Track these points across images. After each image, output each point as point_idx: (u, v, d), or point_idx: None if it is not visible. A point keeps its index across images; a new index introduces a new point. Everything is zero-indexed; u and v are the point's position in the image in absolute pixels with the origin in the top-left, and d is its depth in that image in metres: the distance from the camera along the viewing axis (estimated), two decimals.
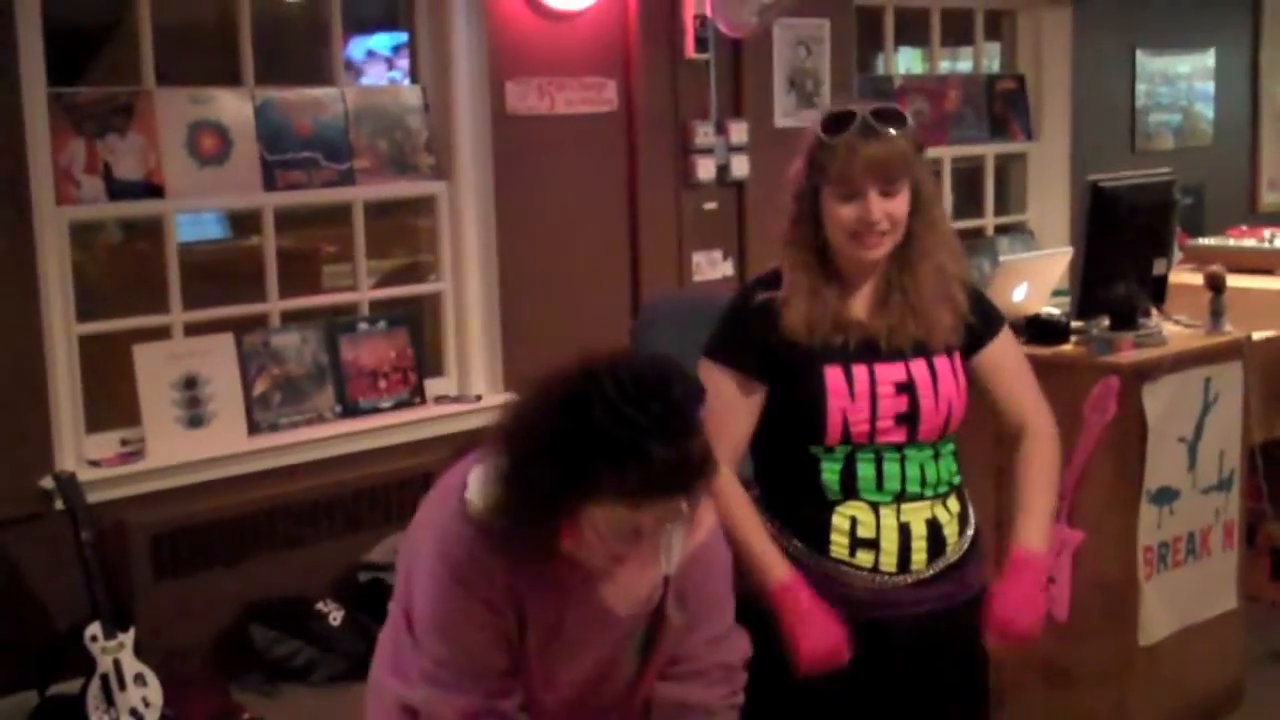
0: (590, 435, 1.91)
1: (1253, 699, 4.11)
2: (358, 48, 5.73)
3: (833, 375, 2.42)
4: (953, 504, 2.53)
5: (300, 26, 5.62)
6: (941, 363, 2.47)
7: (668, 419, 1.92)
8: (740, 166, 5.88)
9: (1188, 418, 3.79)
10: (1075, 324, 3.86)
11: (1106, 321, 3.81)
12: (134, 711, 4.14)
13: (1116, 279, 3.82)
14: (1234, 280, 4.09)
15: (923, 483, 2.47)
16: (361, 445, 4.99)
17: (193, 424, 4.70)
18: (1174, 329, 3.93)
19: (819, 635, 2.37)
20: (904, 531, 2.46)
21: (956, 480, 2.55)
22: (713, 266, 5.89)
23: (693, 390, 1.97)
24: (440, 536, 2.10)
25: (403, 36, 5.54)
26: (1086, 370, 3.66)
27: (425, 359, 5.26)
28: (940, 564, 2.50)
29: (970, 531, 2.57)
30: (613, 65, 5.56)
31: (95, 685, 4.10)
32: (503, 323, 5.36)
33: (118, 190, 4.60)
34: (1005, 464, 3.62)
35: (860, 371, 2.43)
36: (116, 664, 4.13)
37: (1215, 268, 4.02)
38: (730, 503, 2.41)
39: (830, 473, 2.44)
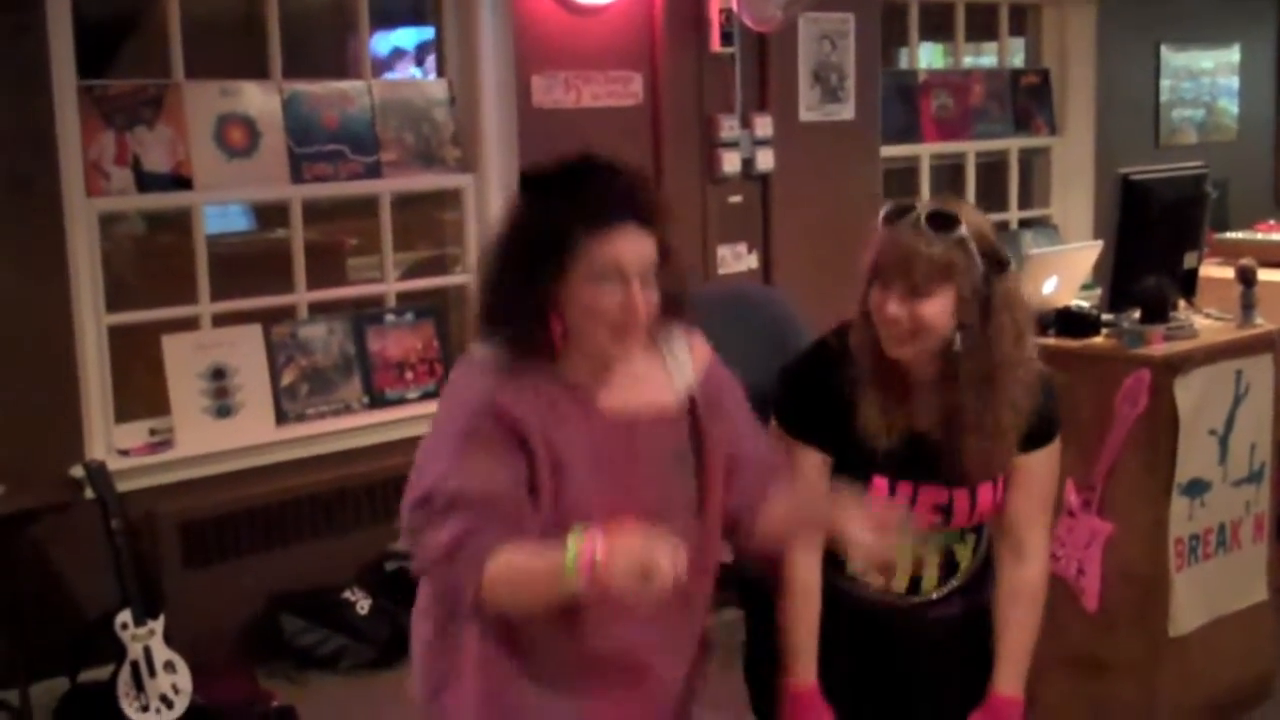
0: (535, 212, 2.12)
1: None
2: (382, 43, 5.75)
3: (878, 484, 2.44)
4: (970, 537, 2.56)
5: (327, 21, 5.64)
6: (984, 490, 2.46)
7: (592, 161, 2.16)
8: (765, 160, 5.88)
9: (1219, 410, 3.78)
10: (1105, 317, 3.85)
11: (1137, 314, 3.80)
12: (164, 698, 4.17)
13: (1147, 272, 3.82)
14: (1263, 274, 4.07)
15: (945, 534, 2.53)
16: (388, 436, 5.00)
17: (221, 414, 4.73)
18: (1205, 322, 3.92)
19: None
20: (917, 561, 2.51)
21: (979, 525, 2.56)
22: (737, 260, 5.89)
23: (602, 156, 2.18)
24: (449, 396, 2.18)
25: (426, 32, 5.56)
26: (1118, 363, 3.66)
27: (451, 350, 5.27)
28: (950, 585, 2.55)
29: (983, 552, 2.59)
30: (638, 59, 5.57)
31: (125, 672, 4.13)
32: None
33: (147, 182, 4.62)
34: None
35: (904, 488, 2.44)
36: (147, 651, 4.16)
37: (1246, 261, 4.01)
38: (796, 589, 2.45)
39: None
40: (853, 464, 2.42)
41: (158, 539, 4.48)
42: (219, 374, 4.73)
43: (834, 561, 2.48)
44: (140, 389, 4.78)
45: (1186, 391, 3.65)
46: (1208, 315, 3.99)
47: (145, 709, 4.14)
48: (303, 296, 5.06)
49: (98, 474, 4.27)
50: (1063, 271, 4.10)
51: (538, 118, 5.28)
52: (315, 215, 5.25)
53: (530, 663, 2.20)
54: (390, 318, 5.18)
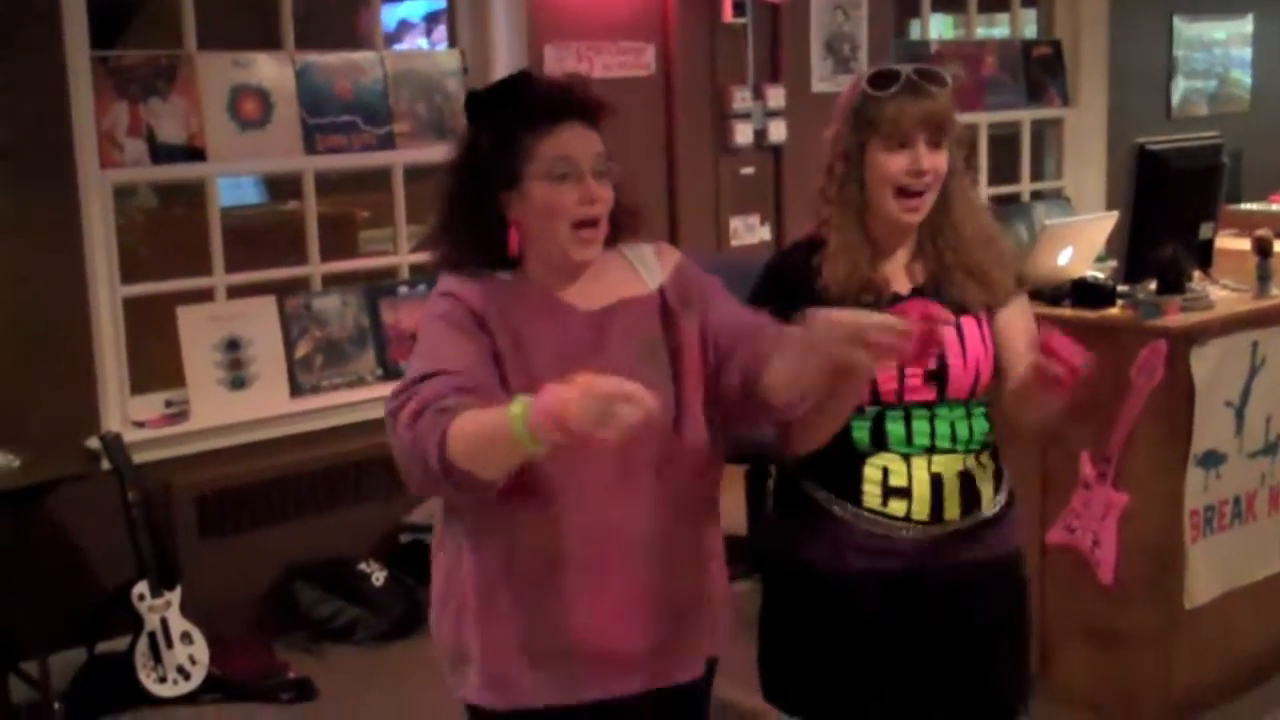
0: (482, 127, 2.21)
1: None
2: (389, 16, 5.74)
3: None
4: (986, 460, 2.53)
5: None
6: (969, 324, 2.47)
7: (527, 72, 2.31)
8: (777, 131, 5.87)
9: (1235, 382, 3.77)
10: (1121, 288, 3.84)
11: (1153, 285, 3.79)
12: (180, 669, 4.19)
13: (1163, 242, 3.81)
14: (1279, 245, 4.06)
15: (954, 438, 2.47)
16: None
17: (235, 386, 4.73)
18: (1221, 293, 3.91)
19: None
20: (935, 481, 2.46)
21: (990, 439, 2.54)
22: (750, 231, 5.88)
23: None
24: (421, 316, 2.25)
25: (435, 3, 5.54)
26: (1133, 334, 3.65)
27: None
28: (975, 518, 2.49)
29: (1006, 491, 2.57)
30: (651, 29, 5.56)
31: (143, 643, 4.16)
32: None
33: (160, 154, 4.62)
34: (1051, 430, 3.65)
35: None
36: (163, 622, 4.18)
37: (1263, 231, 3.99)
38: None
39: (859, 430, 2.45)
40: None
41: (174, 510, 4.49)
42: (234, 345, 4.74)
43: (852, 496, 2.46)
44: (155, 361, 4.79)
45: (1202, 362, 3.65)
46: (1224, 286, 3.98)
47: (163, 680, 4.17)
48: (316, 268, 5.06)
49: (114, 446, 4.28)
50: (1078, 243, 4.09)
51: None
52: (328, 187, 5.25)
53: (515, 566, 2.19)
54: (404, 289, 5.19)
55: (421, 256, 5.32)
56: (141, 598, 4.17)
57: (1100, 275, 3.96)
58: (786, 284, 2.47)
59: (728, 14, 5.71)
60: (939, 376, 2.44)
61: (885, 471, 2.45)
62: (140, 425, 4.56)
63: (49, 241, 4.32)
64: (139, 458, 4.37)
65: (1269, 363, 3.85)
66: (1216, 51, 7.97)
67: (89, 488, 4.27)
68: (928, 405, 2.45)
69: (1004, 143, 7.16)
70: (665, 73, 5.59)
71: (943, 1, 7.08)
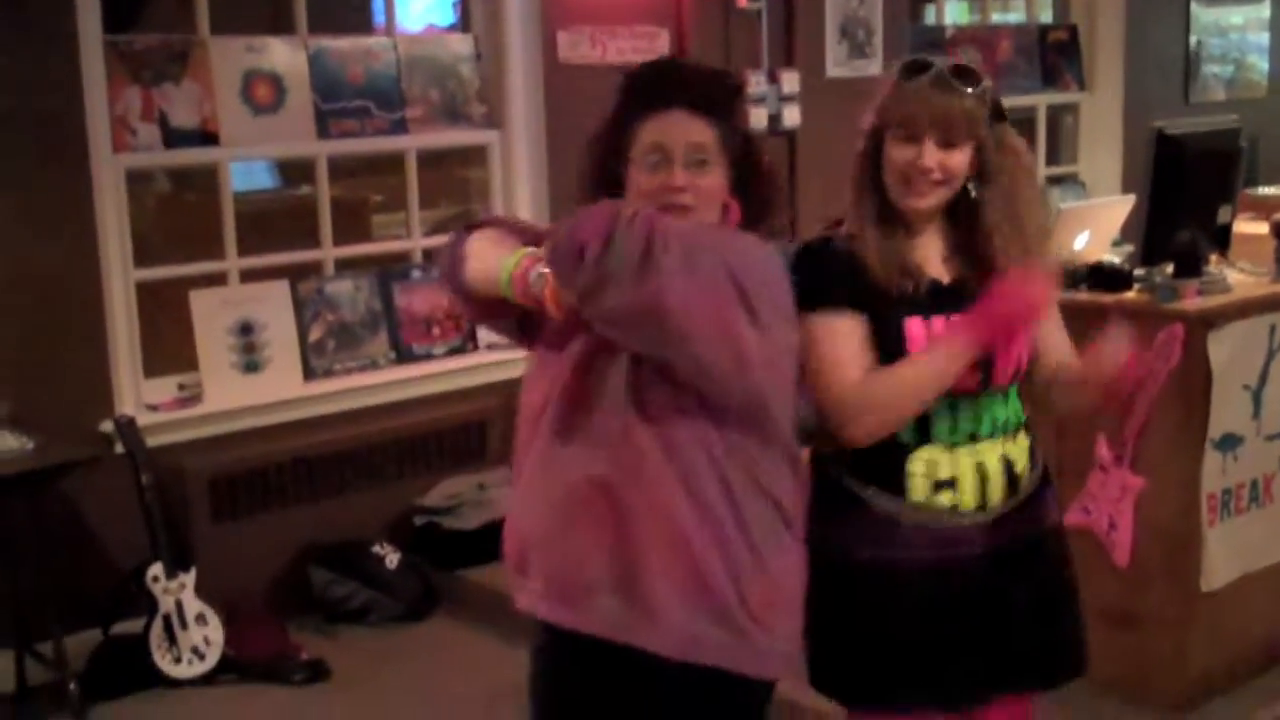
0: (611, 108, 2.29)
1: None
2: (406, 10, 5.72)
3: (912, 327, 2.42)
4: (1022, 440, 2.53)
5: None
6: None
7: (662, 58, 2.49)
8: (792, 116, 5.85)
9: (1252, 365, 3.76)
10: (1138, 271, 3.82)
11: (1170, 269, 3.77)
12: (195, 650, 4.20)
13: (1180, 226, 3.79)
14: None
15: (994, 424, 2.48)
16: (415, 391, 5.02)
17: (249, 369, 4.74)
18: (1238, 276, 3.90)
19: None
20: (980, 470, 2.46)
21: (1023, 417, 2.55)
22: None
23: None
24: None
25: None
26: (1150, 317, 3.62)
27: None
28: (1015, 500, 2.50)
29: (1039, 467, 2.58)
30: (665, 14, 5.54)
31: (158, 624, 4.17)
32: None
33: (173, 138, 4.62)
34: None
35: (939, 323, 2.43)
36: (178, 604, 4.19)
37: None
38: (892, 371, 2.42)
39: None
40: (883, 316, 2.42)
41: (187, 493, 4.50)
42: (247, 329, 4.74)
43: (898, 490, 2.45)
44: (169, 345, 4.80)
45: (1220, 346, 3.63)
46: (1241, 270, 3.96)
47: (178, 661, 4.18)
48: (329, 252, 5.07)
49: (127, 429, 4.29)
50: (1094, 226, 4.07)
51: (563, 73, 5.26)
52: (341, 171, 5.25)
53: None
54: (417, 274, 5.18)
55: (434, 240, 5.34)
56: (156, 579, 4.18)
57: (1117, 259, 3.94)
58: (838, 269, 2.45)
59: None
60: (985, 365, 2.43)
61: (931, 464, 2.45)
62: (154, 409, 4.56)
63: (63, 226, 4.32)
64: (152, 441, 4.37)
65: None
66: (1234, 36, 7.93)
67: (103, 471, 4.29)
68: (971, 395, 2.45)
69: (1020, 127, 7.05)
70: (679, 57, 5.57)
71: None
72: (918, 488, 2.45)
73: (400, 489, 4.91)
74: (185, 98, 4.64)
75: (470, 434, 5.08)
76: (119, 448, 4.32)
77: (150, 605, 4.18)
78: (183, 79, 4.63)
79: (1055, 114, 7.30)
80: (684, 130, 2.20)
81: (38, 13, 4.23)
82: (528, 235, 2.28)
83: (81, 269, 4.37)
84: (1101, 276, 3.85)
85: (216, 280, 4.81)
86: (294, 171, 5.46)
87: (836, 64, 6.07)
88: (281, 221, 5.40)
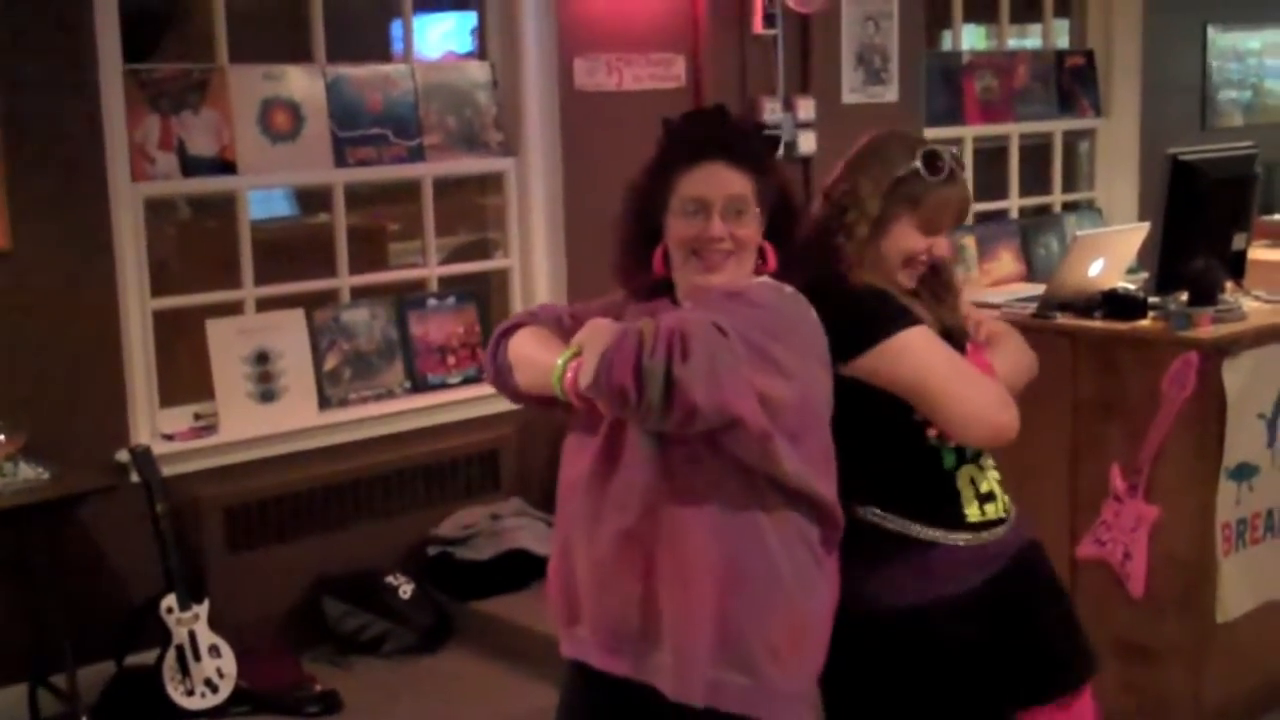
0: (652, 156, 2.38)
1: None
2: (421, 28, 5.73)
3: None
4: (987, 461, 2.61)
5: (370, 4, 5.64)
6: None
7: (703, 108, 2.49)
8: (807, 143, 5.85)
9: (1268, 393, 3.74)
10: (1153, 299, 3.81)
11: (1185, 296, 3.76)
12: (208, 682, 4.19)
13: (1195, 253, 3.77)
14: None
15: None
16: (430, 420, 5.02)
17: (264, 399, 4.75)
18: (1253, 304, 3.88)
19: None
20: (974, 480, 2.55)
21: None
22: None
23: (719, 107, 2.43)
24: None
25: (460, 17, 5.55)
26: (1165, 345, 3.62)
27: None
28: (1011, 509, 2.61)
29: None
30: (681, 41, 5.55)
31: (171, 656, 4.16)
32: (570, 299, 5.35)
33: (191, 166, 4.63)
34: (1081, 443, 3.65)
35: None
36: (191, 635, 4.19)
37: None
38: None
39: (948, 453, 2.51)
40: None
41: (202, 523, 4.50)
42: (262, 358, 4.75)
43: (953, 516, 2.48)
44: (184, 374, 4.80)
45: (1235, 374, 3.62)
46: (1256, 297, 3.94)
47: (190, 693, 4.17)
48: (345, 281, 5.07)
49: (143, 458, 4.29)
50: (1109, 253, 4.06)
51: (580, 100, 5.27)
52: (358, 199, 5.26)
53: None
54: (432, 302, 5.19)
55: (450, 269, 5.35)
56: (170, 611, 4.18)
57: (1131, 286, 3.93)
58: (883, 294, 2.51)
59: (758, 25, 5.70)
60: None
61: (973, 481, 2.53)
62: (169, 438, 4.57)
63: (80, 254, 4.34)
64: (167, 470, 4.38)
65: None
66: (1251, 61, 7.91)
67: (118, 500, 4.29)
68: None
69: (1035, 153, 7.11)
70: (695, 84, 5.57)
71: (975, 12, 7.04)
72: (972, 509, 2.51)
73: (414, 519, 4.90)
74: (204, 126, 4.66)
75: (485, 464, 5.08)
76: (134, 477, 4.32)
77: (164, 637, 4.18)
78: (201, 107, 4.66)
79: (1071, 140, 7.29)
80: (723, 183, 2.28)
81: (58, 42, 4.26)
82: (564, 324, 2.37)
83: (99, 298, 4.39)
84: (1116, 304, 3.84)
85: (233, 309, 4.82)
86: (311, 199, 5.48)
87: (852, 90, 6.07)
88: (298, 250, 5.41)
